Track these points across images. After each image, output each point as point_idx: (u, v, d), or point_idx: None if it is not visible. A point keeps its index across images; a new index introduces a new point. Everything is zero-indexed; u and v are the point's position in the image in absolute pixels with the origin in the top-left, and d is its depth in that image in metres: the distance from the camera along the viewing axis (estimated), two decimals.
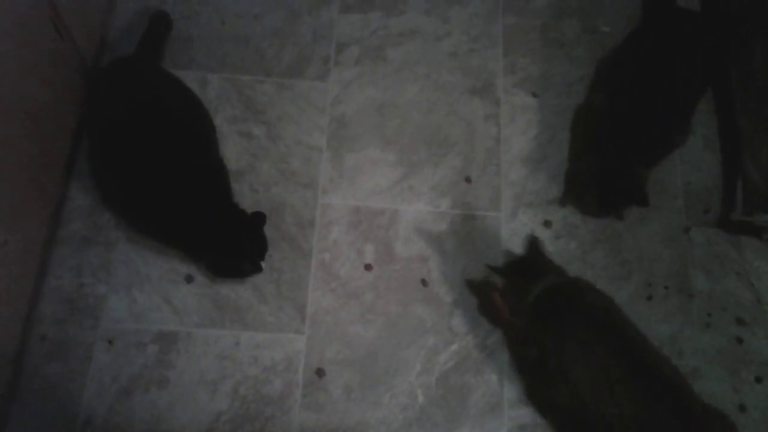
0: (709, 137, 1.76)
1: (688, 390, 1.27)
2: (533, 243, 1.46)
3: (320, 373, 1.47)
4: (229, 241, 1.45)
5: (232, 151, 1.64)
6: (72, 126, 1.57)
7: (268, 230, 1.57)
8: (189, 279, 1.52)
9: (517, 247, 1.58)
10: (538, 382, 1.46)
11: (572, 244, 1.62)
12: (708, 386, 1.50)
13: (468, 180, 1.67)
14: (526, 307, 1.37)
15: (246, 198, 1.60)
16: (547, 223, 1.64)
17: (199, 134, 1.53)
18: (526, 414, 1.46)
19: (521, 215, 1.64)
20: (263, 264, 1.51)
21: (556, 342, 1.30)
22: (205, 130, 1.55)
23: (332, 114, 1.72)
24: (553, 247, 1.59)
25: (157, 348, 1.46)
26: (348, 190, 1.64)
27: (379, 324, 1.52)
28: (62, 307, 1.48)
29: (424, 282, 1.56)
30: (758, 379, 1.52)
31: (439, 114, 1.74)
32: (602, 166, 1.57)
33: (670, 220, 1.66)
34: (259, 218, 1.48)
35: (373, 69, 1.78)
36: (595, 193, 1.60)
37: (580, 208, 1.65)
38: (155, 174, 1.41)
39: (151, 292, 1.51)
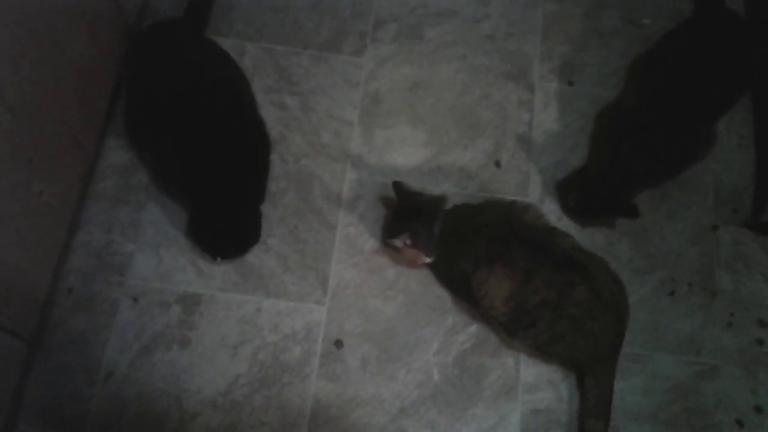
0: (744, 137, 1.73)
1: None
2: (399, 189, 1.50)
3: (339, 344, 1.49)
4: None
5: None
6: (110, 85, 1.59)
7: (296, 201, 1.58)
8: None
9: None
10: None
11: (598, 235, 1.61)
12: (726, 386, 1.50)
13: (497, 164, 1.67)
14: (434, 242, 1.45)
15: (276, 168, 1.61)
16: None
17: (238, 99, 1.53)
18: (540, 399, 1.47)
19: (549, 203, 1.64)
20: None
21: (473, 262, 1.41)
22: (243, 95, 1.56)
23: (366, 90, 1.72)
24: (579, 237, 1.58)
25: (181, 308, 1.49)
26: (377, 166, 1.65)
27: (400, 301, 1.53)
28: (90, 262, 1.51)
29: None
30: None
31: (472, 96, 1.73)
32: (605, 169, 1.53)
33: (699, 218, 1.65)
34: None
35: (410, 47, 1.77)
36: (580, 195, 1.58)
37: (563, 207, 1.63)
38: (191, 137, 1.43)
39: (178, 253, 1.53)
